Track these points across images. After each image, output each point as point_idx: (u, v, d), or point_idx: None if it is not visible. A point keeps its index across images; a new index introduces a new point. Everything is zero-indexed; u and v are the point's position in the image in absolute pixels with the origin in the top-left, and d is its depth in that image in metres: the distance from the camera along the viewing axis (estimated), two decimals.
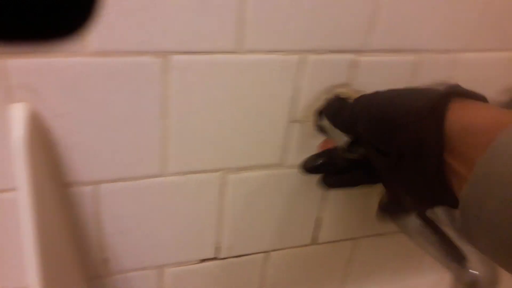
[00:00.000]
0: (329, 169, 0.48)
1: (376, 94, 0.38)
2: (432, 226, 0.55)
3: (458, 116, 0.31)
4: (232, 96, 0.46)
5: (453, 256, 0.53)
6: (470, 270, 0.51)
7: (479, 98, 0.34)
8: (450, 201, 0.32)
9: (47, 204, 0.43)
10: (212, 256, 0.58)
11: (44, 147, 0.42)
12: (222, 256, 0.58)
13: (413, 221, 0.57)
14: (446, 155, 0.31)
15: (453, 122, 0.31)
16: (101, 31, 0.38)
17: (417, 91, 0.36)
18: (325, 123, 0.49)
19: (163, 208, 0.51)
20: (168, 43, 0.41)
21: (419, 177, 0.33)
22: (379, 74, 0.50)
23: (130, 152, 0.45)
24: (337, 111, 0.43)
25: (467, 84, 0.54)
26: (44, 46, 0.15)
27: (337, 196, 0.59)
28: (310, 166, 0.49)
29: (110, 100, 0.42)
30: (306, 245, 0.63)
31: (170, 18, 0.40)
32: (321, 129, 0.52)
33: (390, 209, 0.45)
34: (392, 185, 0.40)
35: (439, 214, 0.56)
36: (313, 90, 0.49)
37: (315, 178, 0.56)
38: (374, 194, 0.61)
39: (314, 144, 0.53)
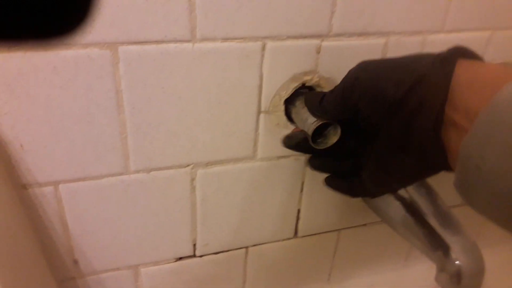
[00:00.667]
0: (308, 150, 0.46)
1: (377, 62, 0.38)
2: (414, 215, 0.52)
3: (464, 70, 0.31)
4: (190, 87, 0.44)
5: (437, 247, 0.50)
6: (455, 261, 0.48)
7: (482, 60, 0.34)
8: (442, 163, 0.33)
9: (3, 207, 0.41)
10: (189, 254, 0.56)
11: None
12: (199, 254, 0.56)
13: (395, 210, 0.54)
14: (448, 109, 0.31)
15: (458, 76, 0.30)
16: None
17: (419, 54, 0.36)
18: (294, 112, 0.46)
19: (130, 207, 0.49)
20: (115, 33, 0.39)
21: (416, 136, 0.33)
22: (345, 59, 0.47)
23: (87, 150, 0.44)
24: (320, 95, 0.41)
25: None
26: (40, 43, 0.15)
27: (317, 186, 0.57)
28: (287, 145, 0.48)
29: (58, 96, 0.40)
30: (288, 239, 0.60)
31: (116, 6, 0.38)
32: (291, 119, 0.49)
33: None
34: (379, 160, 0.39)
35: (421, 202, 0.53)
36: (278, 79, 0.46)
37: (289, 168, 0.54)
38: None
39: (285, 135, 0.50)
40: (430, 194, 0.55)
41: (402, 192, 0.55)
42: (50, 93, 0.40)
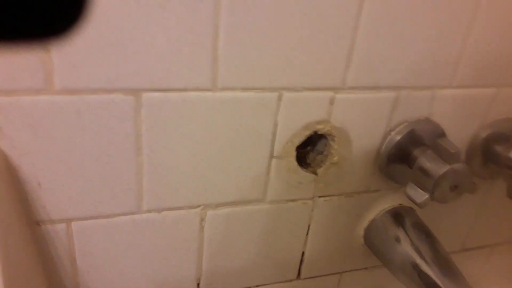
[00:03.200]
0: None
1: None
2: (414, 261, 0.53)
3: None
4: (207, 133, 0.45)
5: None
6: None
7: None
8: None
9: (15, 243, 0.42)
10: None
11: (11, 185, 0.41)
12: None
13: (396, 256, 0.55)
14: None
15: None
16: (67, 67, 0.38)
17: None
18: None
19: (139, 245, 0.49)
20: (139, 80, 0.40)
21: None
22: (358, 110, 0.49)
23: (102, 189, 0.44)
24: None
25: (447, 120, 0.54)
26: (29, 45, 0.14)
27: (322, 229, 0.57)
28: None
29: (79, 138, 0.41)
30: (291, 280, 0.61)
31: (141, 55, 0.39)
32: (301, 164, 0.51)
33: None
34: None
35: (421, 248, 0.54)
36: (292, 126, 0.48)
37: (297, 212, 0.55)
38: (358, 227, 0.59)
39: (295, 180, 0.51)
40: (430, 238, 0.56)
41: (402, 235, 0.56)
42: (72, 135, 0.40)
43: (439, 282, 0.52)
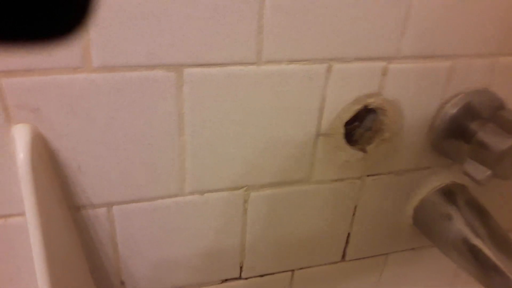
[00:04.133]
0: None
1: None
2: (469, 240, 0.50)
3: None
4: (252, 110, 0.42)
5: (495, 277, 0.48)
6: None
7: None
8: None
9: (57, 228, 0.40)
10: (235, 276, 0.54)
11: (51, 169, 0.39)
12: (245, 276, 0.54)
13: (449, 235, 0.52)
14: None
15: None
16: (104, 43, 0.35)
17: None
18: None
19: (181, 228, 0.47)
20: (179, 55, 0.37)
21: None
22: (411, 82, 0.45)
23: (143, 172, 0.42)
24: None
25: (507, 90, 0.50)
26: (34, 48, 0.14)
27: (370, 211, 0.55)
28: None
29: (118, 118, 0.39)
30: (335, 262, 0.58)
31: (181, 28, 0.36)
32: (350, 141, 0.47)
33: None
34: None
35: (475, 224, 0.50)
36: (341, 101, 0.44)
37: (344, 192, 0.52)
38: (408, 206, 0.56)
39: (342, 158, 0.48)
40: (485, 216, 0.52)
41: (455, 213, 0.53)
42: (112, 115, 0.38)
43: (496, 260, 0.48)
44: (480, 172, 0.45)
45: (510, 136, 0.43)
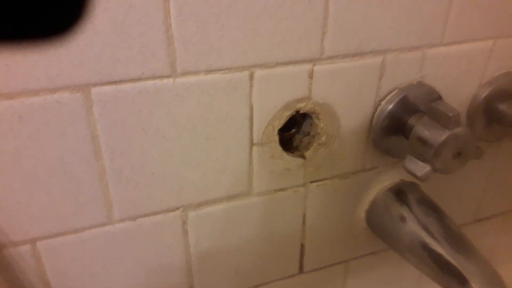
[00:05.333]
0: None
1: None
2: (423, 240, 0.48)
3: None
4: (174, 125, 0.40)
5: (451, 276, 0.46)
6: None
7: None
8: None
9: None
10: None
11: None
12: None
13: (403, 236, 0.50)
14: None
15: None
16: (1, 69, 0.33)
17: None
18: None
19: (117, 258, 0.45)
20: (86, 73, 0.35)
21: None
22: (342, 82, 0.44)
23: (65, 202, 0.39)
24: None
25: (441, 82, 0.49)
26: (29, 46, 0.14)
27: (319, 217, 0.53)
28: None
29: (27, 147, 0.36)
30: (293, 275, 0.56)
31: (84, 44, 0.34)
32: (286, 149, 0.46)
33: None
34: None
35: (429, 224, 0.49)
36: (270, 108, 0.43)
37: (289, 201, 0.50)
38: (359, 210, 0.54)
39: (282, 167, 0.46)
40: (438, 213, 0.51)
41: (407, 214, 0.51)
42: (18, 145, 0.36)
43: (451, 260, 0.47)
44: (420, 168, 0.44)
45: (445, 129, 0.42)
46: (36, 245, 0.41)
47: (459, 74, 0.49)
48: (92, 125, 0.37)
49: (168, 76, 0.37)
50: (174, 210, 0.44)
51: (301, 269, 0.56)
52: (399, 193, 0.53)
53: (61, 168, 0.38)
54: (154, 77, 0.37)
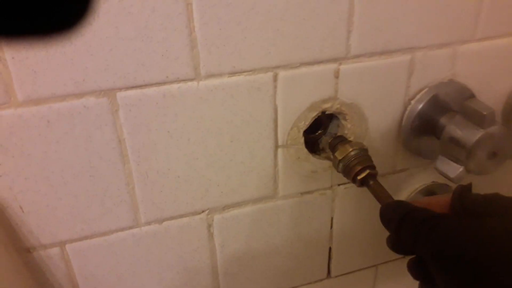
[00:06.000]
0: None
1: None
2: None
3: None
4: (199, 128, 0.40)
5: None
6: None
7: None
8: None
9: (5, 274, 0.38)
10: None
11: None
12: None
13: None
14: None
15: None
16: (28, 75, 0.33)
17: None
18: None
19: (144, 261, 0.45)
20: (110, 78, 0.35)
21: None
22: (369, 81, 0.43)
23: (92, 205, 0.40)
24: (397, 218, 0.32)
25: (474, 79, 0.47)
26: (38, 42, 0.14)
27: (348, 221, 0.51)
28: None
29: (55, 152, 0.37)
30: (321, 280, 0.55)
31: (109, 48, 0.34)
32: (312, 151, 0.45)
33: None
34: None
35: None
36: (295, 109, 0.42)
37: (316, 204, 0.49)
38: None
39: (308, 169, 0.46)
40: None
41: None
42: (46, 149, 0.36)
43: None
44: (453, 169, 0.42)
45: (479, 128, 0.40)
46: (65, 248, 0.41)
47: (493, 71, 0.47)
48: (119, 129, 0.37)
49: (192, 79, 0.37)
50: (199, 213, 0.44)
51: (329, 274, 0.55)
52: (431, 195, 0.51)
53: (88, 172, 0.38)
54: (178, 81, 0.37)
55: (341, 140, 0.44)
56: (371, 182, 0.40)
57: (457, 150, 0.42)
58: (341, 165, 0.41)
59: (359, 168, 0.40)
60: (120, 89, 0.36)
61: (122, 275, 0.45)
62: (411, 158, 0.50)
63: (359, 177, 0.40)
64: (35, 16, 0.14)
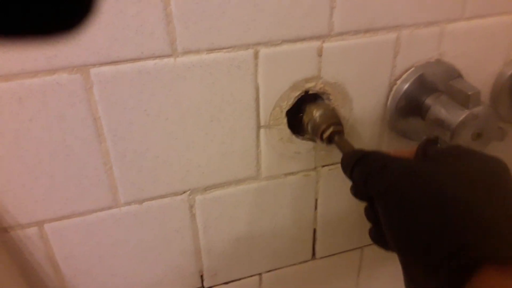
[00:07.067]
0: None
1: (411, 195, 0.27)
2: None
3: None
4: (177, 106, 0.39)
5: None
6: None
7: None
8: None
9: None
10: (197, 286, 0.51)
11: None
12: (208, 285, 0.51)
13: None
14: None
15: None
16: None
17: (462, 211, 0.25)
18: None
19: (124, 241, 0.44)
20: (84, 54, 0.34)
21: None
22: (353, 60, 0.42)
23: (69, 185, 0.39)
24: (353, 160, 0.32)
25: (462, 59, 0.46)
26: (39, 41, 0.14)
27: (333, 203, 0.51)
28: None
29: (28, 130, 0.36)
30: (306, 261, 0.55)
31: None
32: (296, 131, 0.44)
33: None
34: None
35: None
36: (277, 88, 0.41)
37: (300, 186, 0.48)
38: None
39: (291, 149, 0.45)
40: None
41: None
42: (18, 127, 0.35)
43: None
44: None
45: (463, 108, 0.39)
46: (44, 228, 0.41)
47: (481, 51, 0.46)
48: (93, 107, 0.36)
49: (168, 56, 0.36)
50: (181, 194, 0.44)
51: (313, 255, 0.54)
52: None
53: (64, 151, 0.37)
54: (154, 57, 0.36)
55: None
56: (336, 138, 0.40)
57: (441, 131, 0.41)
58: (309, 127, 0.42)
59: (324, 126, 0.40)
60: (93, 65, 0.35)
61: (102, 255, 0.44)
62: (397, 139, 0.49)
63: (324, 135, 0.41)
64: (36, 17, 0.13)
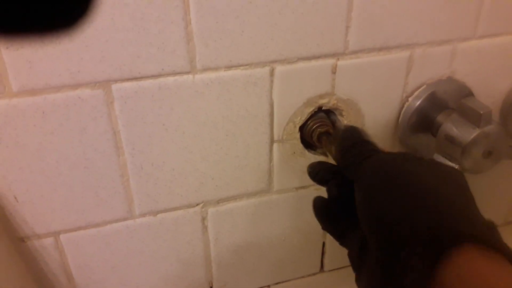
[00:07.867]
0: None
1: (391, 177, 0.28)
2: None
3: (456, 273, 0.22)
4: (194, 121, 0.40)
5: None
6: None
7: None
8: None
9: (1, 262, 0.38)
10: None
11: None
12: None
13: None
14: None
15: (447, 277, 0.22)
16: (23, 66, 0.33)
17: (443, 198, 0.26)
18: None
19: (139, 252, 0.45)
20: (106, 70, 0.35)
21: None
22: (366, 77, 0.42)
23: (87, 196, 0.40)
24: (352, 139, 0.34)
25: (473, 77, 0.46)
26: (38, 39, 0.14)
27: None
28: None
29: (50, 143, 0.36)
30: (314, 274, 0.55)
31: (105, 41, 0.34)
32: (308, 146, 0.45)
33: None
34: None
35: None
36: (291, 104, 0.42)
37: (310, 199, 0.49)
38: None
39: (303, 164, 0.46)
40: None
41: None
42: (41, 140, 0.36)
43: None
44: None
45: (475, 127, 0.40)
46: (59, 238, 0.41)
47: (492, 69, 0.47)
48: (113, 121, 0.37)
49: (188, 72, 0.37)
50: (194, 206, 0.44)
51: (322, 268, 0.55)
52: None
53: (83, 163, 0.38)
54: (174, 74, 0.37)
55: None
56: (324, 138, 0.41)
57: (452, 148, 0.42)
58: (305, 132, 0.44)
59: (313, 128, 0.42)
60: (115, 81, 0.36)
61: (116, 266, 0.45)
62: None
63: (314, 138, 0.42)
64: (36, 14, 0.14)
